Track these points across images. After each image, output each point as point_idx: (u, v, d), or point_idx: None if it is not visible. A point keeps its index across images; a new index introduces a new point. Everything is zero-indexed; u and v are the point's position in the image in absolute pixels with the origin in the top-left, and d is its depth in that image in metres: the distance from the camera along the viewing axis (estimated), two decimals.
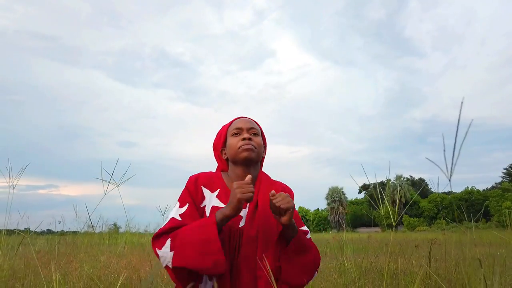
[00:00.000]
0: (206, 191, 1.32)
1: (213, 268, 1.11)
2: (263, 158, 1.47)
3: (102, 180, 1.65)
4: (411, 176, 56.98)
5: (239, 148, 1.32)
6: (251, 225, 1.25)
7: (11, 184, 1.89)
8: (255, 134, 1.39)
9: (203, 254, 1.11)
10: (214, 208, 1.27)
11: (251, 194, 1.14)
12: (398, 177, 54.08)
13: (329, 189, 51.08)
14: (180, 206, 1.28)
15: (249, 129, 1.38)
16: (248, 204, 1.31)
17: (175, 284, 1.27)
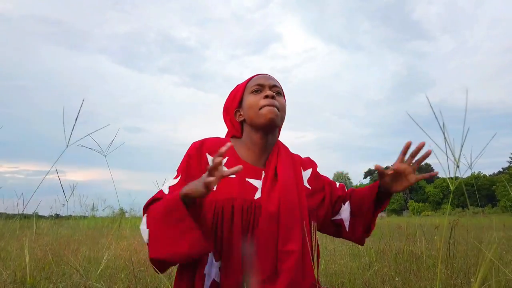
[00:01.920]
0: (211, 159, 1.07)
1: (190, 248, 0.88)
2: (281, 125, 1.24)
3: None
4: None
5: (261, 108, 1.11)
6: (269, 199, 1.04)
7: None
8: (279, 94, 1.18)
9: (177, 235, 0.88)
10: (223, 180, 1.03)
11: (215, 179, 0.83)
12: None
13: (334, 174, 51.11)
14: (175, 177, 1.08)
15: (271, 87, 1.17)
16: (263, 174, 1.10)
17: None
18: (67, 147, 1.11)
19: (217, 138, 1.19)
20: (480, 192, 45.67)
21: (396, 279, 1.91)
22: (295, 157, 1.22)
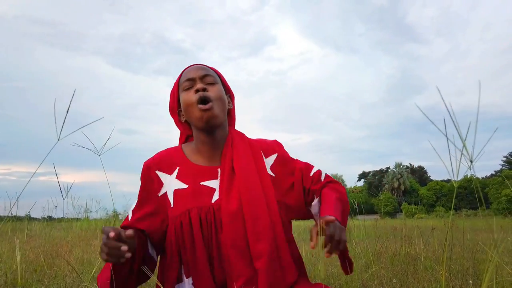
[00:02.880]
0: (162, 175, 1.05)
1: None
2: (232, 109, 1.17)
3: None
4: (410, 164, 56.97)
5: (196, 106, 1.02)
6: (229, 198, 0.97)
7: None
8: (212, 84, 1.06)
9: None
10: (176, 192, 1.02)
11: (111, 258, 0.82)
12: (398, 165, 54.00)
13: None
14: (136, 202, 1.07)
15: (202, 78, 1.06)
16: (219, 171, 1.04)
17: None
18: (58, 140, 1.07)
19: (167, 150, 1.13)
20: (473, 195, 45.98)
21: (394, 280, 1.90)
22: (254, 144, 1.12)
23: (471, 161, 0.90)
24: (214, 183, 1.02)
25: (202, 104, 1.01)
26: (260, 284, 0.90)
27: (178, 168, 1.05)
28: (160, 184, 1.04)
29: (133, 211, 1.05)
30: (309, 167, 1.14)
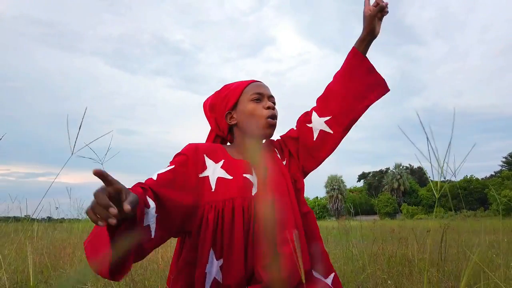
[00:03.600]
0: (209, 161, 1.13)
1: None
2: None
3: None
4: (410, 165, 57.00)
5: (266, 118, 1.17)
6: (265, 190, 1.08)
7: None
8: (274, 104, 1.24)
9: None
10: (220, 180, 1.10)
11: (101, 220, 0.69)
12: (397, 166, 54.07)
13: (328, 177, 51.15)
14: (167, 166, 1.09)
15: (270, 97, 1.22)
16: (255, 175, 1.14)
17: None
18: (72, 154, 1.13)
19: (211, 144, 1.21)
20: (472, 196, 46.03)
21: (389, 282, 1.96)
22: (274, 142, 1.28)
23: (441, 172, 0.94)
24: (251, 177, 1.13)
25: (271, 119, 1.18)
26: (283, 267, 1.00)
27: (223, 160, 1.15)
28: (204, 167, 1.12)
29: (160, 174, 1.04)
30: (290, 133, 1.29)
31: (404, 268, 2.33)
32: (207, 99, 1.30)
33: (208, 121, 1.28)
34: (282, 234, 1.02)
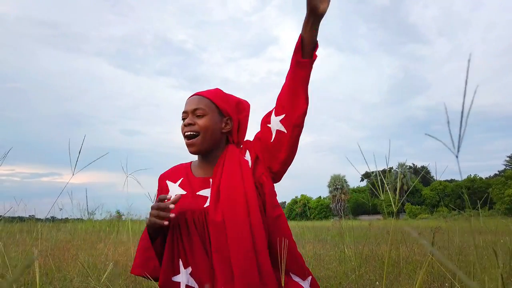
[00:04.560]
0: (170, 184, 1.28)
1: (153, 272, 1.16)
2: (233, 128, 1.28)
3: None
4: (413, 164, 56.84)
5: (184, 136, 1.24)
6: (216, 209, 1.13)
7: None
8: (200, 116, 1.21)
9: (146, 260, 1.17)
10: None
11: (159, 222, 1.11)
12: (401, 165, 53.93)
13: (331, 177, 51.07)
14: None
15: (193, 111, 1.22)
16: (211, 181, 1.20)
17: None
18: (72, 175, 1.24)
19: (181, 164, 1.34)
20: (476, 195, 45.84)
21: (377, 283, 2.04)
22: (242, 152, 1.25)
23: (457, 156, 0.98)
24: (207, 192, 1.20)
25: (187, 139, 1.23)
26: (231, 283, 1.05)
27: (181, 178, 1.26)
28: (167, 190, 1.26)
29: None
30: (258, 135, 1.27)
31: (394, 269, 2.41)
32: None
33: None
34: (234, 253, 1.07)
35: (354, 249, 3.06)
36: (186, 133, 1.22)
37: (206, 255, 1.13)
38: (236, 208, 1.12)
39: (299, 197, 54.78)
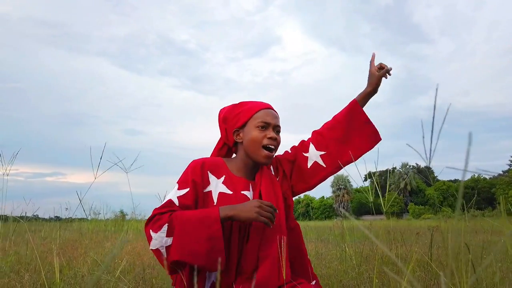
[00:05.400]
0: (211, 177, 1.30)
1: (213, 266, 1.12)
2: None
3: (96, 162, 1.67)
4: (417, 164, 56.72)
5: (263, 146, 1.29)
6: None
7: (4, 172, 1.94)
8: (278, 132, 1.35)
9: (208, 251, 1.10)
10: (221, 195, 1.27)
11: (269, 221, 1.15)
12: (404, 165, 53.92)
13: (334, 177, 51.10)
14: (179, 188, 1.25)
15: (275, 127, 1.33)
16: (252, 191, 1.31)
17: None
18: (95, 179, 1.33)
19: (214, 158, 1.37)
20: (479, 195, 45.72)
21: (376, 281, 2.12)
22: (271, 166, 1.41)
23: (429, 165, 1.05)
24: (249, 194, 1.30)
25: (268, 151, 1.30)
26: (257, 280, 1.17)
27: (224, 176, 1.31)
28: (207, 183, 1.28)
29: (182, 197, 1.23)
30: (287, 153, 1.48)
31: (394, 267, 2.49)
32: (223, 109, 1.44)
33: (220, 130, 1.43)
34: (264, 250, 1.21)
35: (354, 248, 3.14)
36: (271, 146, 1.30)
37: (237, 251, 1.22)
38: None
39: (302, 197, 54.86)
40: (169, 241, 1.13)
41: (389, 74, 1.44)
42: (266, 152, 1.29)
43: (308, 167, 1.40)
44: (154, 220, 1.17)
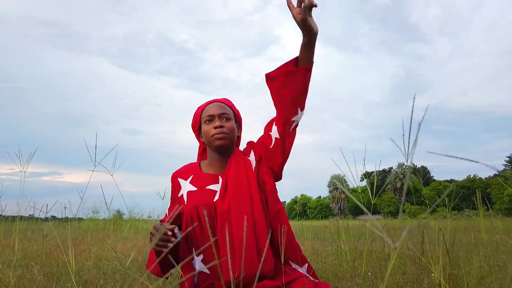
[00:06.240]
0: (181, 181, 1.43)
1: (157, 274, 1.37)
2: (239, 136, 1.53)
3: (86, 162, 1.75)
4: (413, 164, 56.87)
5: (212, 136, 1.38)
6: (223, 199, 1.31)
7: (21, 170, 2.01)
8: (227, 119, 1.41)
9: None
10: (189, 192, 1.38)
11: (161, 248, 1.19)
12: (401, 165, 54.13)
13: (331, 176, 51.27)
14: (170, 205, 1.46)
15: (220, 115, 1.41)
16: (220, 179, 1.39)
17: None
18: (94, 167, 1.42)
19: (190, 164, 1.50)
20: (475, 195, 45.94)
21: (369, 273, 2.23)
22: (246, 152, 1.46)
23: (407, 162, 1.11)
24: (217, 187, 1.38)
25: (217, 134, 1.37)
26: (234, 267, 1.21)
27: (192, 176, 1.42)
28: (179, 188, 1.41)
29: (168, 209, 1.43)
30: (261, 139, 1.45)
31: (386, 262, 2.60)
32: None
33: (196, 138, 1.57)
34: (236, 238, 1.24)
35: (349, 245, 3.25)
36: (219, 135, 1.37)
37: (216, 244, 1.28)
38: (241, 198, 1.31)
39: (299, 196, 55.01)
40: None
41: (313, 6, 1.21)
42: (216, 136, 1.37)
43: (271, 146, 1.38)
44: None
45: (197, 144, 1.58)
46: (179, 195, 1.41)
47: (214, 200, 1.34)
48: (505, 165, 50.87)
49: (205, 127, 1.42)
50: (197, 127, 1.49)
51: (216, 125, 1.38)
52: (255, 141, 1.48)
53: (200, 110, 1.47)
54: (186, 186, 1.40)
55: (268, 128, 1.43)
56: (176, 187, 1.44)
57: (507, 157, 50.96)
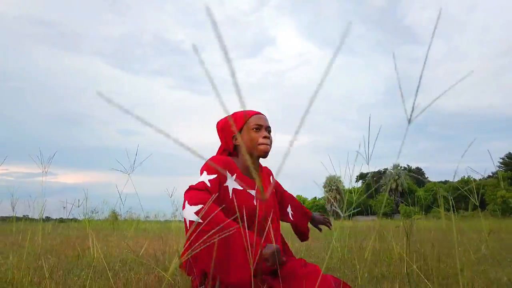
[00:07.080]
0: (228, 173, 1.55)
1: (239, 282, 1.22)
2: None
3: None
4: (408, 165, 57.44)
5: (259, 144, 1.56)
6: (260, 204, 1.55)
7: (43, 171, 2.15)
8: (270, 132, 1.64)
9: (239, 277, 1.21)
10: (234, 190, 1.53)
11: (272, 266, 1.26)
12: (395, 166, 54.49)
13: (327, 177, 51.47)
14: (209, 173, 1.45)
15: (267, 128, 1.62)
16: (256, 186, 1.60)
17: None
18: (129, 174, 1.58)
19: (227, 158, 1.61)
20: (468, 197, 46.29)
21: (358, 266, 2.41)
22: (265, 169, 1.78)
23: (368, 163, 1.28)
24: (253, 192, 1.57)
25: (264, 145, 1.58)
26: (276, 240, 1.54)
27: (236, 174, 1.56)
28: (225, 178, 1.52)
29: (212, 180, 1.45)
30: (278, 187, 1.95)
31: (374, 257, 2.79)
32: (220, 121, 1.72)
33: (219, 139, 1.72)
34: (269, 232, 1.51)
35: (341, 243, 3.44)
36: (265, 145, 1.58)
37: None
38: (269, 204, 1.61)
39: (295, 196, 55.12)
40: (194, 217, 1.24)
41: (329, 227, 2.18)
42: (263, 145, 1.57)
43: (279, 202, 1.89)
44: (191, 195, 1.34)
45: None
46: (225, 184, 1.51)
47: (254, 203, 1.55)
48: (499, 166, 51.39)
49: (252, 134, 1.58)
50: (230, 130, 1.64)
51: (265, 135, 1.58)
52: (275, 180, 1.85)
53: (243, 116, 1.62)
54: (233, 183, 1.54)
55: (285, 200, 1.97)
56: (222, 176, 1.50)
57: (501, 158, 51.53)
